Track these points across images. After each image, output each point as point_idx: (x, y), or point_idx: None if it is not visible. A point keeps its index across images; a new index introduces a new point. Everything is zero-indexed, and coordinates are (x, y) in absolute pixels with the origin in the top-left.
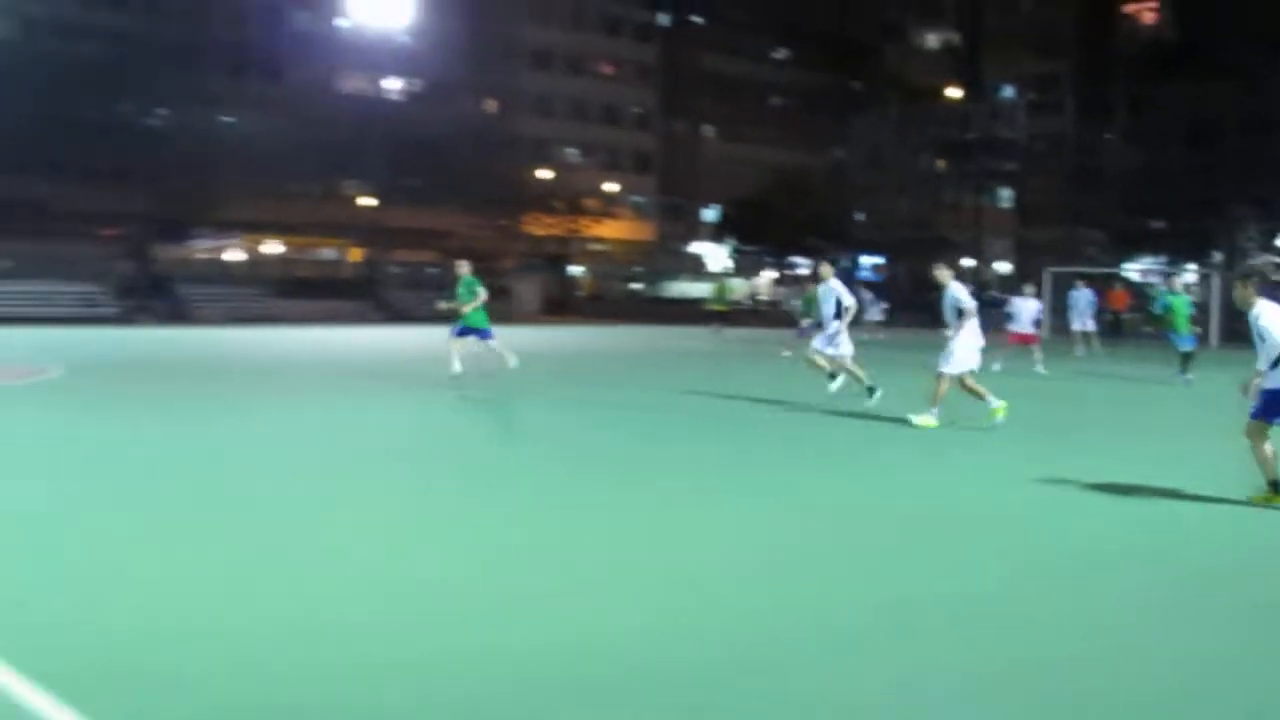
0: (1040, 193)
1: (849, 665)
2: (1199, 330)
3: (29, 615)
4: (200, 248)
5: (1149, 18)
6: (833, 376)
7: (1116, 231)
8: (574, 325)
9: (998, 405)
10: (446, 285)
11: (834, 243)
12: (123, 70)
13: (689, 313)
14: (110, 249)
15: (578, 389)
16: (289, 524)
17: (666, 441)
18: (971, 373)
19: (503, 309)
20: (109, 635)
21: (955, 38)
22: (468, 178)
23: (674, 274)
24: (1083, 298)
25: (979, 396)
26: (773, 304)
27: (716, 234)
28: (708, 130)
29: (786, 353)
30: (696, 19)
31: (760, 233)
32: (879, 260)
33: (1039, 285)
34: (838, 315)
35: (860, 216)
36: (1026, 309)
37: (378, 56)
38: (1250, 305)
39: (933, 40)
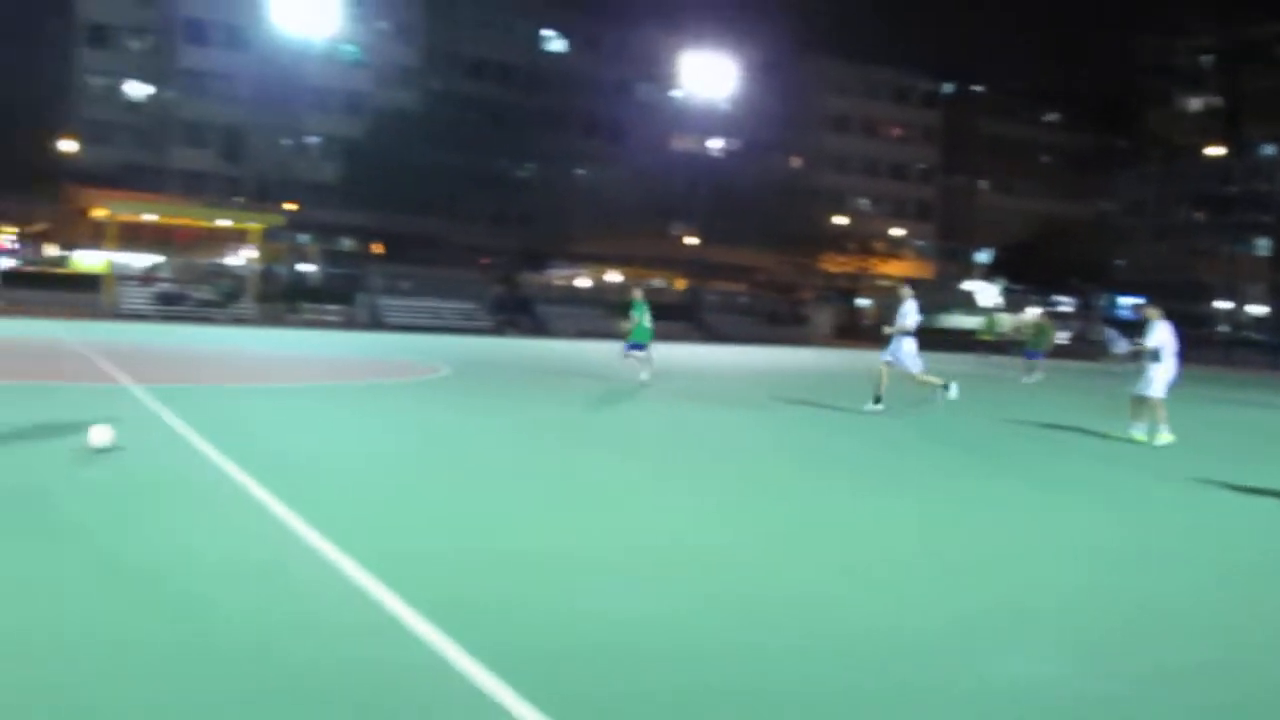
0: None
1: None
2: None
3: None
4: (556, 275)
5: None
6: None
7: None
8: (860, 349)
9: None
10: (755, 311)
11: (1094, 284)
12: (501, 132)
13: (960, 341)
14: (486, 274)
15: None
16: (730, 499)
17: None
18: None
19: (799, 333)
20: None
21: (1217, 100)
22: (774, 222)
23: (948, 308)
24: None
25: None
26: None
27: (988, 274)
28: (983, 184)
29: (1027, 378)
30: (976, 87)
31: (1027, 273)
32: (1139, 300)
33: None
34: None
35: (1120, 262)
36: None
37: (704, 121)
38: None
39: (1195, 103)
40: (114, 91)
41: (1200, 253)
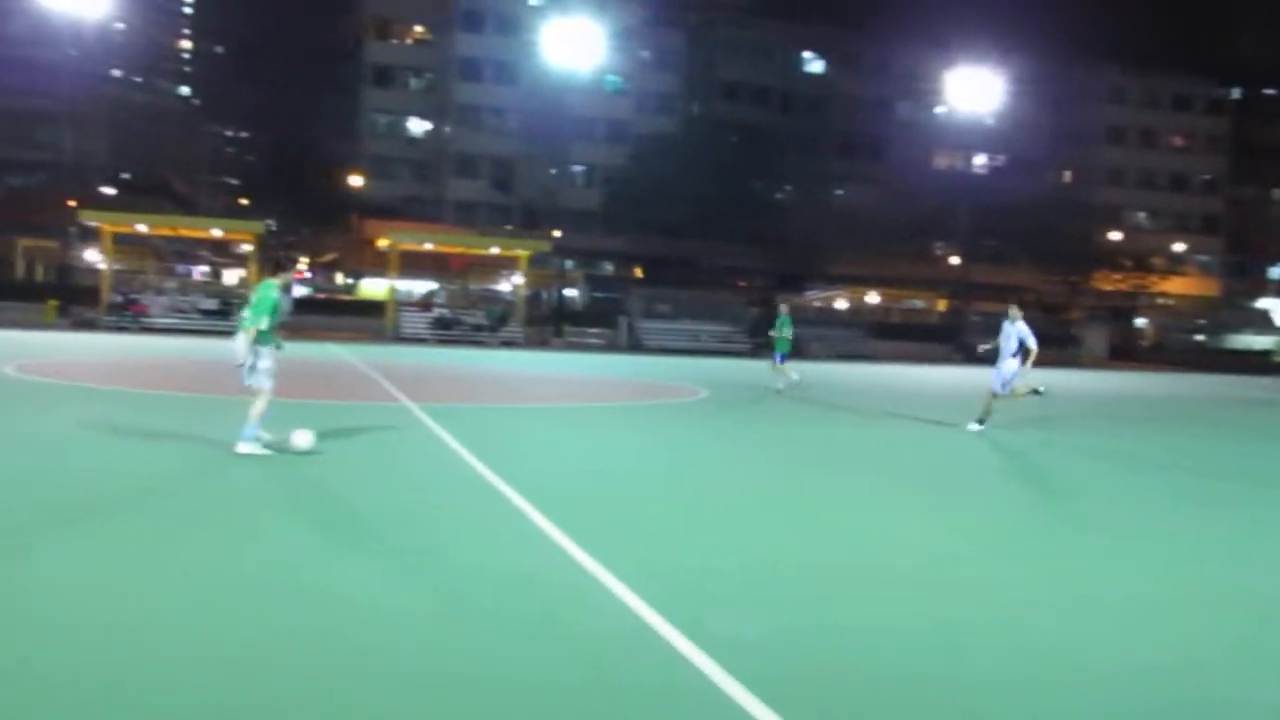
0: None
1: None
2: None
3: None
4: (813, 296)
5: None
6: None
7: None
8: (1137, 371)
9: None
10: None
11: None
12: (759, 154)
13: (1251, 363)
14: (743, 296)
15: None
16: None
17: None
18: None
19: (1069, 355)
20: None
21: None
22: (1043, 239)
23: (1238, 327)
24: None
25: None
26: None
27: None
28: (1277, 194)
29: None
30: (1269, 91)
31: None
32: None
33: None
34: (1017, 354)
35: None
36: None
37: (967, 137)
38: None
39: None
40: (396, 128)
41: None
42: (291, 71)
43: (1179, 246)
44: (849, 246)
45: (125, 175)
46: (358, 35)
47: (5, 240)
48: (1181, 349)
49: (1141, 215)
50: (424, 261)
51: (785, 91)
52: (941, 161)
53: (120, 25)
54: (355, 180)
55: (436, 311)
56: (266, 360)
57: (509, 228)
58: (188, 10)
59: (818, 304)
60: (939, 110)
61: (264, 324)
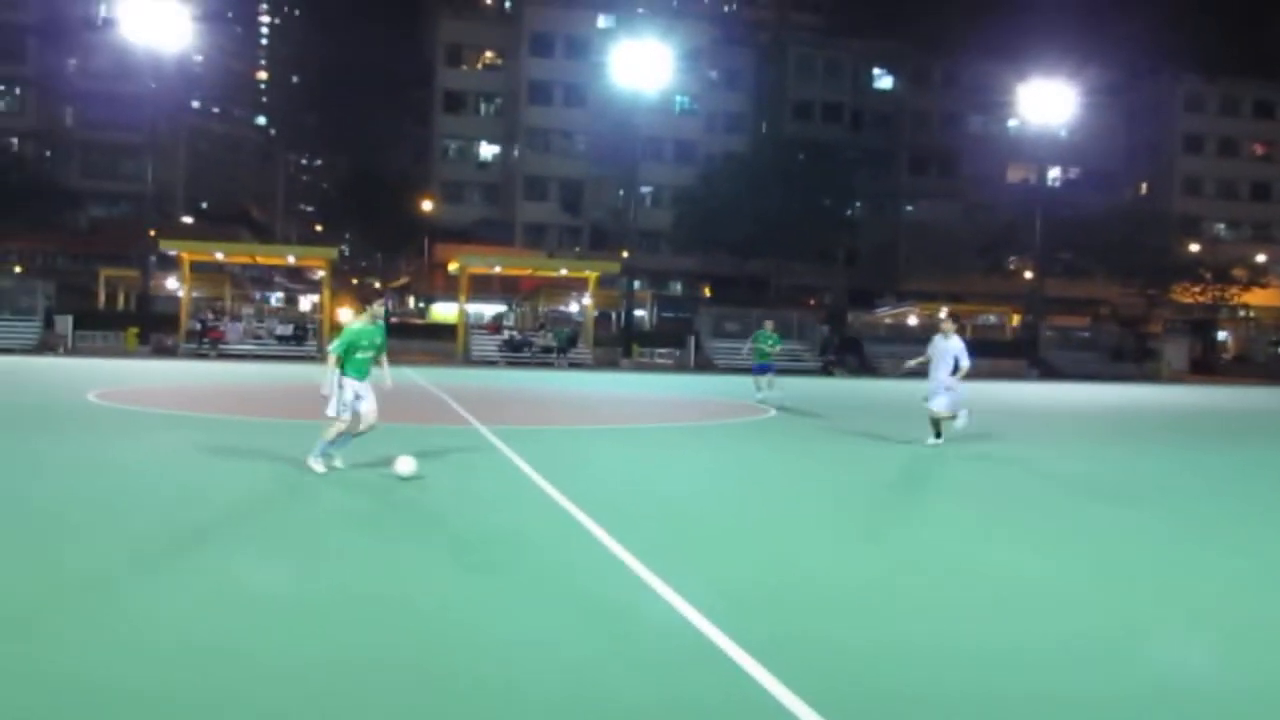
0: None
1: None
2: None
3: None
4: (884, 314)
5: None
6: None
7: None
8: (1218, 385)
9: None
10: (1097, 347)
11: None
12: (828, 171)
13: None
14: (812, 314)
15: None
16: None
17: None
18: None
19: (1147, 369)
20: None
21: None
22: (1119, 252)
23: None
24: None
25: None
26: None
27: None
28: None
29: None
30: None
31: None
32: None
33: None
34: (954, 373)
35: None
36: None
37: (1041, 150)
38: None
39: None
40: (467, 153)
41: None
42: (365, 99)
43: (1261, 257)
44: (920, 262)
45: (203, 204)
46: (429, 62)
47: (88, 270)
48: (1266, 361)
49: (1221, 226)
50: (494, 284)
51: (856, 108)
52: (1015, 175)
53: (199, 57)
54: (427, 205)
55: (506, 334)
56: (347, 392)
57: (578, 249)
58: (264, 41)
59: (889, 320)
60: (1012, 123)
61: (339, 355)
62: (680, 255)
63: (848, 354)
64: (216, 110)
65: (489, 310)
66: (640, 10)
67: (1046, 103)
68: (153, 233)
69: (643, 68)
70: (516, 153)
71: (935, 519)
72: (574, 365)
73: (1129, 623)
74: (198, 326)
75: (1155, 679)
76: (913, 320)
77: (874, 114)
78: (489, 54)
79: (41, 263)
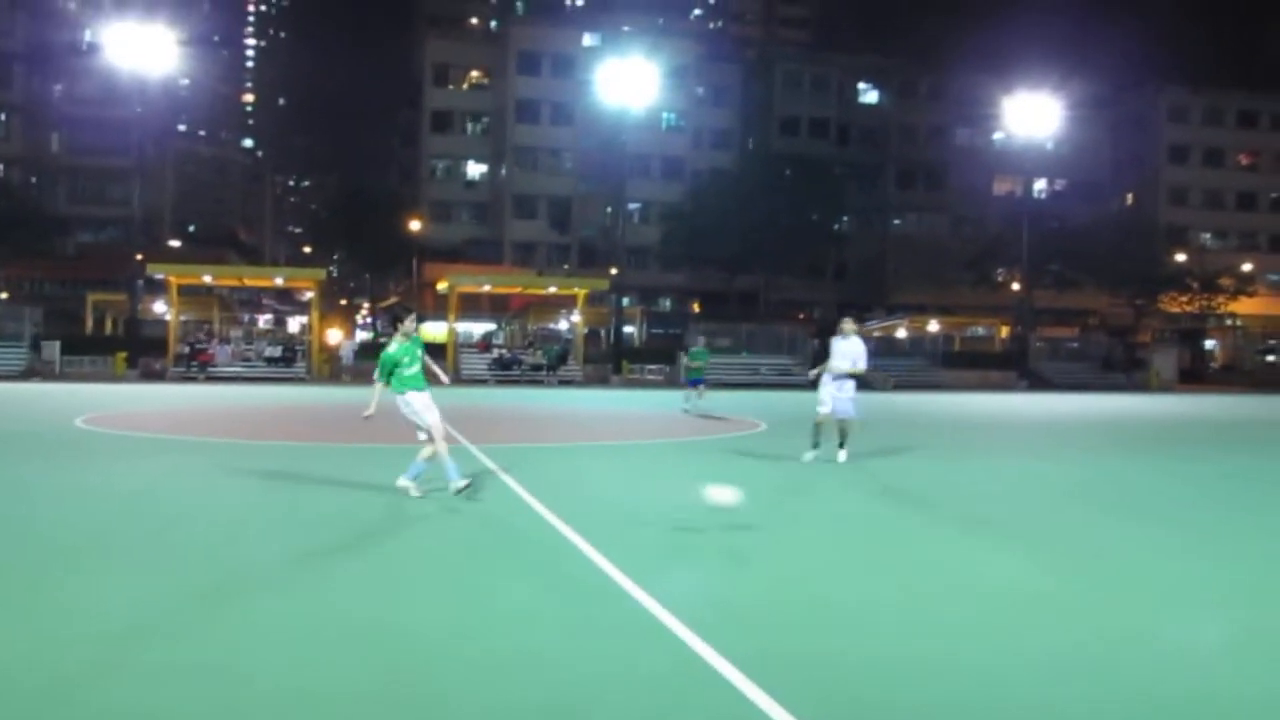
0: None
1: None
2: None
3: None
4: (874, 327)
5: None
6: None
7: None
8: (1207, 394)
9: None
10: (1086, 357)
11: None
12: (816, 186)
13: None
14: (802, 329)
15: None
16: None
17: None
18: None
19: (1137, 379)
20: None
21: None
22: (1107, 262)
23: None
24: None
25: None
26: None
27: None
28: None
29: None
30: None
31: None
32: None
33: None
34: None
35: None
36: None
37: (1028, 162)
38: None
39: None
40: (455, 172)
41: None
42: (352, 121)
43: (1248, 266)
44: (909, 275)
45: (191, 228)
46: (417, 82)
47: (76, 295)
48: (1253, 370)
49: (1207, 236)
50: (483, 303)
51: (842, 123)
52: (1002, 187)
53: (185, 81)
54: (415, 225)
55: (495, 352)
56: (408, 407)
57: (566, 266)
58: (250, 64)
59: (878, 334)
60: (998, 136)
61: (388, 378)
62: (669, 271)
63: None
64: (203, 133)
65: (479, 329)
66: (626, 28)
67: (1032, 115)
68: (140, 257)
69: (629, 85)
70: (504, 171)
71: (932, 534)
72: (564, 383)
73: (1128, 633)
74: (186, 350)
75: (1148, 689)
76: (901, 333)
77: (861, 128)
78: (476, 73)
79: (29, 289)
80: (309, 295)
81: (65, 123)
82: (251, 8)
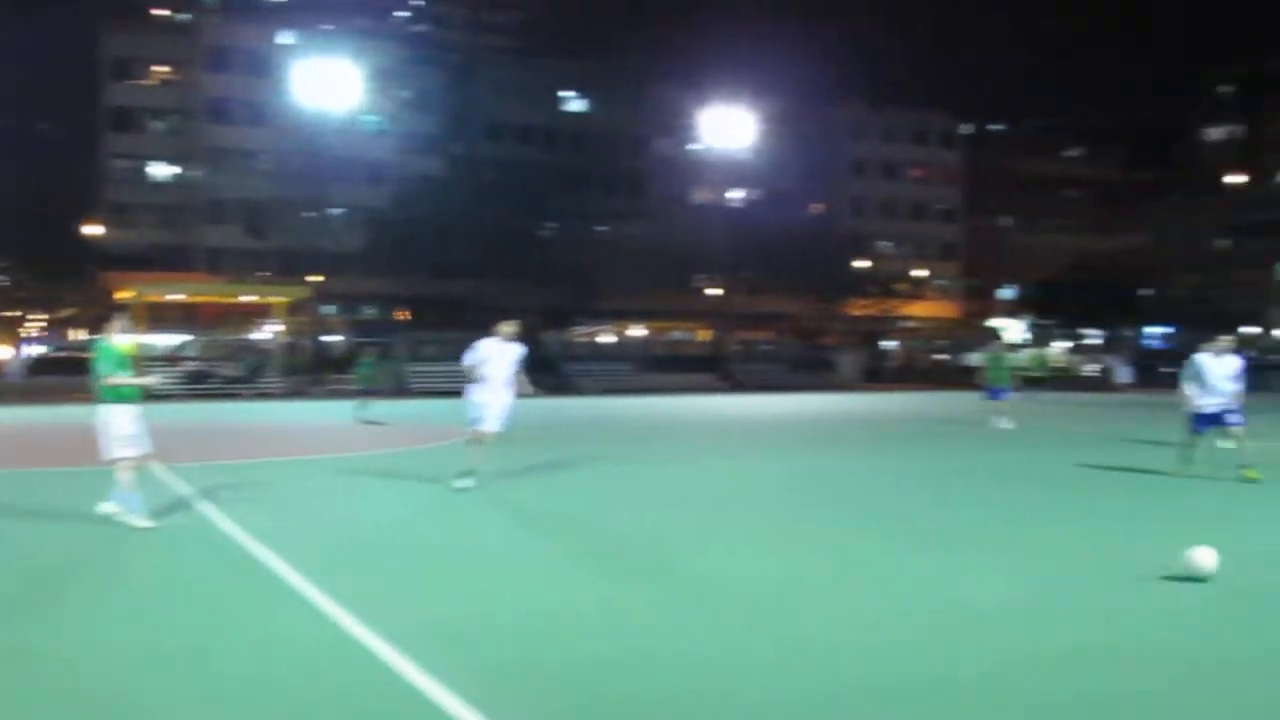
0: None
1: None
2: None
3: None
4: (579, 332)
5: None
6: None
7: None
8: (887, 392)
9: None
10: (781, 359)
11: (1124, 317)
12: (523, 193)
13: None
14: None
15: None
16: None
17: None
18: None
19: (827, 379)
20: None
21: (1239, 131)
22: (798, 268)
23: (973, 345)
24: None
25: None
26: (1065, 370)
27: (1014, 310)
28: (1006, 221)
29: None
30: (996, 126)
31: (1054, 308)
32: (1169, 330)
33: None
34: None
35: (1148, 292)
36: None
37: (725, 172)
38: None
39: (1217, 134)
40: (139, 174)
41: (1228, 281)
42: (21, 114)
43: (921, 272)
44: (615, 282)
45: None
46: (95, 75)
47: None
48: (926, 369)
49: (886, 243)
50: (174, 313)
51: (548, 129)
52: (700, 196)
53: None
54: (94, 229)
55: (187, 365)
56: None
57: (264, 274)
58: None
59: (585, 339)
60: (695, 147)
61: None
62: (374, 278)
63: (545, 374)
64: None
65: (168, 341)
66: (327, 27)
67: (728, 128)
68: None
69: (329, 86)
70: (196, 173)
71: (647, 530)
72: (262, 395)
73: (848, 620)
74: None
75: (849, 676)
76: (609, 339)
77: (567, 135)
78: (162, 68)
79: None
80: None
81: None
82: None
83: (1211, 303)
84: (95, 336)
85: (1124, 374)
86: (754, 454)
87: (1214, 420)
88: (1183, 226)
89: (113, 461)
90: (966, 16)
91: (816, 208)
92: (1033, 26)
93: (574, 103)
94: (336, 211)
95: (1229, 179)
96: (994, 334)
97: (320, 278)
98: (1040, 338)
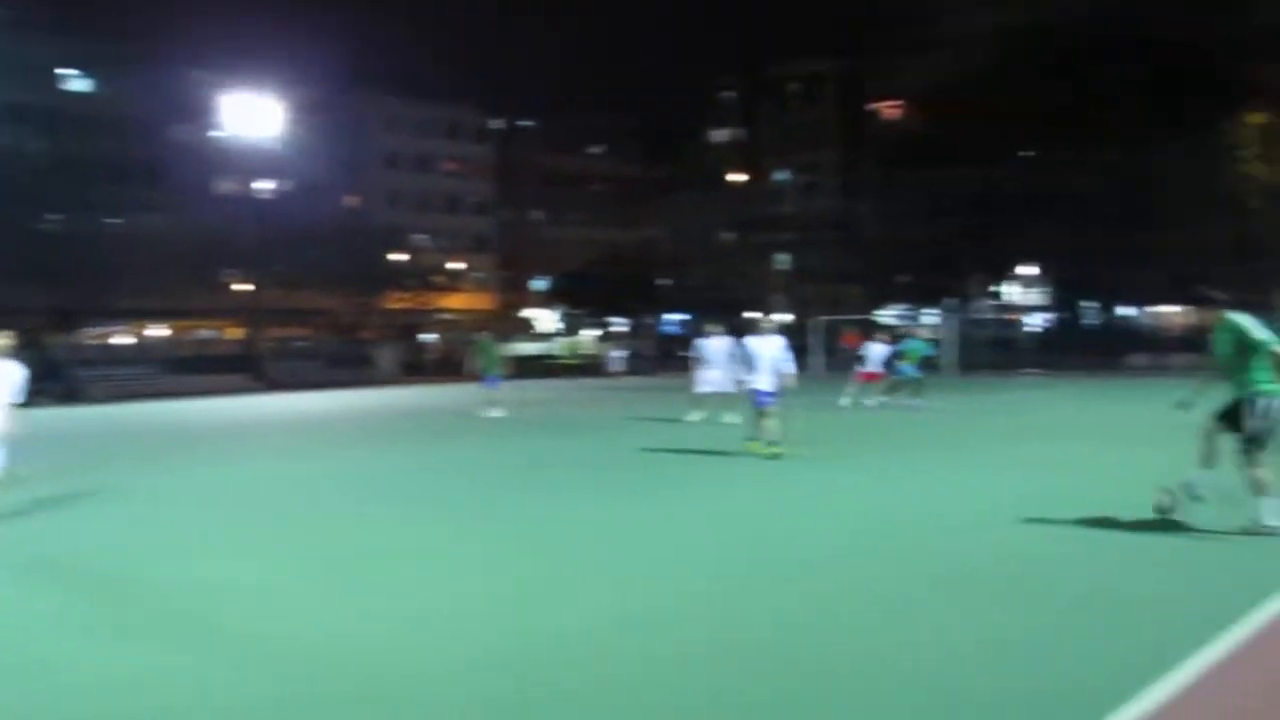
0: (812, 257)
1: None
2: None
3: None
4: (90, 334)
5: (893, 115)
6: None
7: (873, 286)
8: (426, 385)
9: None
10: (318, 356)
11: (646, 305)
12: (16, 181)
13: (528, 368)
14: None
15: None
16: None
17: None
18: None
19: (366, 375)
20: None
21: (741, 133)
22: (332, 262)
23: (510, 336)
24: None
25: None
26: (595, 357)
27: (546, 301)
28: (537, 214)
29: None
30: (525, 122)
31: (584, 298)
32: (686, 317)
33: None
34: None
35: (667, 282)
36: (876, 352)
37: (251, 162)
38: None
39: (722, 135)
40: None
41: (737, 271)
42: None
43: (457, 265)
44: (131, 278)
45: None
46: None
47: None
48: (465, 360)
49: (421, 236)
50: None
51: (49, 110)
52: (225, 187)
53: None
54: None
55: None
56: None
57: None
58: None
59: (98, 342)
60: (219, 135)
61: None
62: None
63: (51, 382)
64: None
65: None
66: None
67: (254, 116)
68: None
69: None
70: None
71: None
72: None
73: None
74: None
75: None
76: (127, 340)
77: (72, 118)
78: None
79: None
80: None
81: None
82: None
83: (723, 290)
84: None
85: (615, 361)
86: (276, 455)
87: (770, 397)
88: (696, 221)
89: None
90: (496, 15)
91: (350, 200)
92: (561, 29)
93: (77, 82)
94: None
95: (733, 177)
96: (530, 324)
97: None
98: (572, 327)
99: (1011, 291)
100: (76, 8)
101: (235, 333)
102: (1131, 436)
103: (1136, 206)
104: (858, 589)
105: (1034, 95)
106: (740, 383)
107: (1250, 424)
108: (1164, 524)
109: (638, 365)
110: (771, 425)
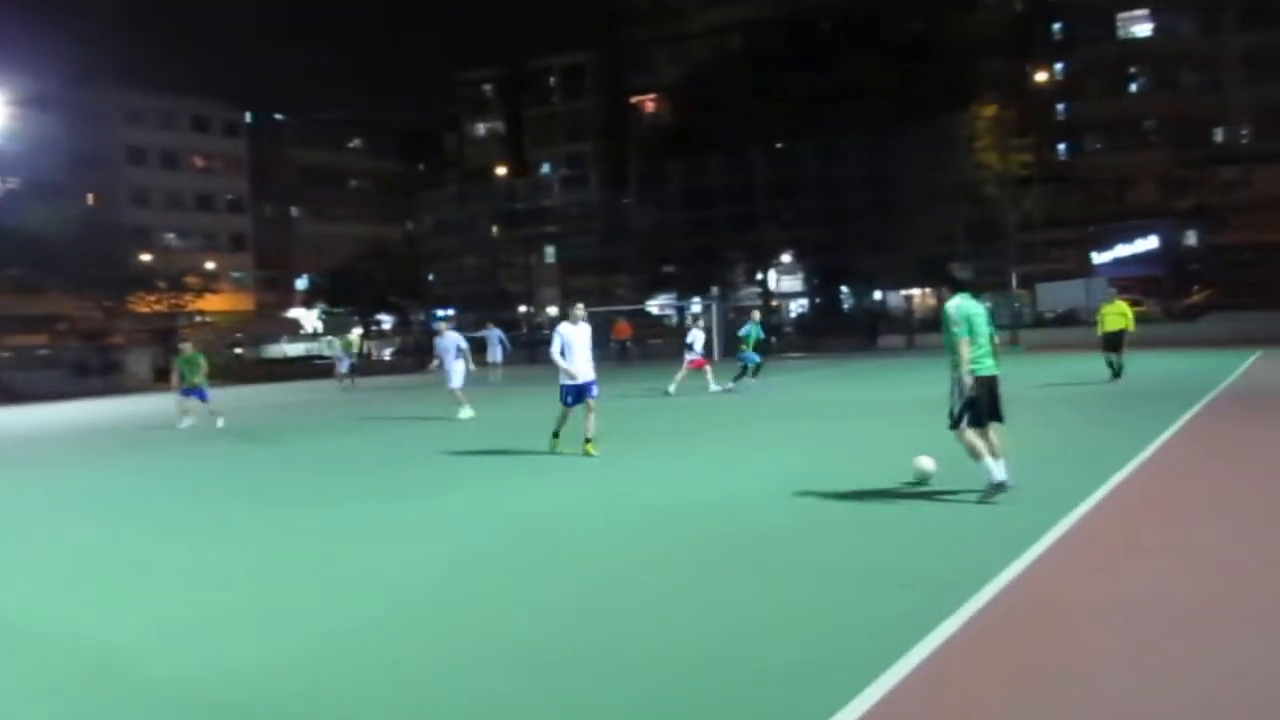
0: (578, 248)
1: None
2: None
3: None
4: None
5: (652, 107)
6: None
7: (640, 276)
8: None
9: None
10: (60, 364)
11: (412, 301)
12: None
13: (292, 370)
14: None
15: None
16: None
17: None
18: None
19: (115, 382)
20: None
21: (501, 126)
22: (72, 265)
23: (274, 337)
24: (493, 335)
25: None
26: (365, 356)
27: (308, 300)
28: (297, 211)
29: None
30: (278, 116)
31: (348, 296)
32: (451, 312)
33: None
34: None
35: (432, 277)
36: (702, 340)
37: None
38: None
39: (483, 129)
40: None
41: (503, 264)
42: None
43: (211, 265)
44: None
45: None
46: None
47: None
48: (225, 364)
49: (173, 236)
50: None
51: None
52: None
53: None
54: None
55: None
56: None
57: None
58: None
59: None
60: None
61: None
62: None
63: None
64: None
65: None
66: None
67: None
68: None
69: None
70: None
71: None
72: None
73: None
74: None
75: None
76: None
77: None
78: None
79: None
80: None
81: None
82: None
83: (493, 284)
84: None
85: (344, 365)
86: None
87: (582, 392)
88: (461, 213)
89: None
90: (246, 5)
91: (91, 199)
92: (312, 22)
93: None
94: None
95: (497, 170)
96: (294, 324)
97: None
98: (340, 325)
99: (774, 279)
100: None
101: None
102: (890, 414)
103: (883, 195)
104: (621, 577)
105: (783, 86)
106: (563, 372)
107: (954, 400)
108: (921, 494)
109: (402, 363)
110: (592, 420)
